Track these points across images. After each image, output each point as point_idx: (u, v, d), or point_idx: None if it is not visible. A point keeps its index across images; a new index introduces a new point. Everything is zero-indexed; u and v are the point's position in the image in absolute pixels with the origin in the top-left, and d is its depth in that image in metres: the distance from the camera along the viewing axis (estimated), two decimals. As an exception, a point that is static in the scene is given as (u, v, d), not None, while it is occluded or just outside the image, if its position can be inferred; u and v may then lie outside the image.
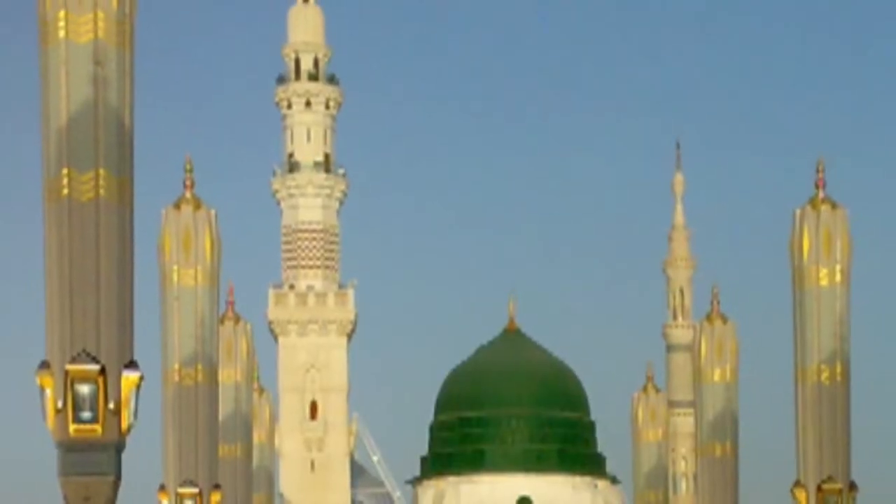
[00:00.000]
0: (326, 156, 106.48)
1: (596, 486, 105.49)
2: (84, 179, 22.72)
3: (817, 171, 36.32)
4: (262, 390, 56.13)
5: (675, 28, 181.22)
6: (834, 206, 36.17)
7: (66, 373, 22.57)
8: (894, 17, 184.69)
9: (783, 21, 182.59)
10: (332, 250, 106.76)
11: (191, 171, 35.16)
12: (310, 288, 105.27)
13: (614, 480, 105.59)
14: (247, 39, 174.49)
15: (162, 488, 34.50)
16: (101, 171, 22.79)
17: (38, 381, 22.71)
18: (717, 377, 47.39)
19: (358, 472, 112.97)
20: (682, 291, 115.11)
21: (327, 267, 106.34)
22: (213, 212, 35.10)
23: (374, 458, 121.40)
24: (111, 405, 22.61)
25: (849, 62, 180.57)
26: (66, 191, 22.71)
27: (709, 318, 47.82)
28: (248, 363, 46.16)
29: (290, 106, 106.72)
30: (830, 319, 35.73)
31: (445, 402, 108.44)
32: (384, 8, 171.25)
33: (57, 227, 22.77)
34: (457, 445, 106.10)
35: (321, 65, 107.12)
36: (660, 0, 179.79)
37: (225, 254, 35.50)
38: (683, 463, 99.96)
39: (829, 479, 35.46)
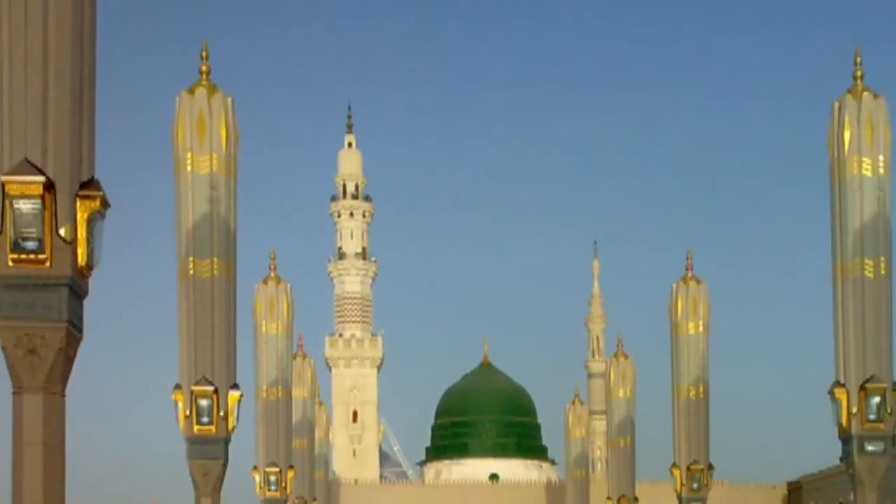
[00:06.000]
0: (364, 249, 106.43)
1: (541, 466, 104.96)
2: (203, 264, 22.73)
3: (687, 258, 36.29)
4: (320, 404, 55.95)
5: (595, 157, 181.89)
6: (698, 282, 36.11)
7: (192, 392, 22.55)
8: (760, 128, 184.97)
9: (668, 145, 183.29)
10: (367, 311, 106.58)
11: (274, 259, 35.19)
12: (352, 335, 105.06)
13: (553, 463, 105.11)
14: (311, 171, 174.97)
15: (255, 468, 34.35)
16: (215, 259, 22.81)
17: (173, 397, 22.73)
18: (621, 394, 47.24)
19: (384, 457, 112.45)
20: (598, 338, 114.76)
21: (364, 321, 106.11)
22: (288, 286, 35.06)
23: (395, 448, 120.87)
24: (221, 413, 22.59)
25: (710, 167, 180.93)
26: (191, 272, 22.72)
27: (616, 356, 47.77)
28: (311, 386, 46.03)
29: (339, 216, 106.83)
30: (696, 356, 35.61)
31: (442, 411, 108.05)
32: (402, 152, 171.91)
33: (185, 296, 22.79)
34: (449, 440, 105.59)
35: (360, 188, 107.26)
36: (577, 134, 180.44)
37: (297, 313, 35.49)
38: (599, 451, 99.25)
39: (695, 462, 35.23)
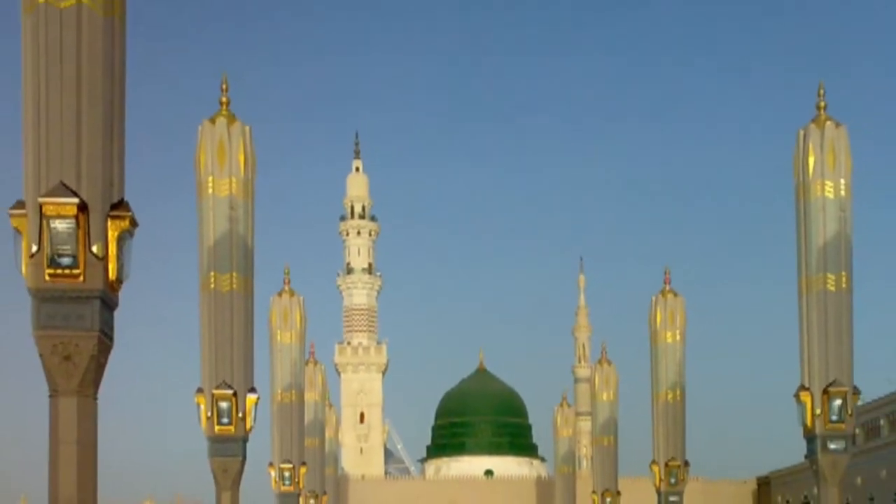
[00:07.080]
0: (370, 264, 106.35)
1: (532, 463, 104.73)
2: (224, 279, 22.72)
3: (665, 273, 36.33)
4: (331, 406, 55.88)
5: (581, 181, 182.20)
6: (675, 294, 36.13)
7: (213, 395, 22.52)
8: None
9: (648, 170, 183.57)
10: (373, 321, 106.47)
11: (288, 273, 35.16)
12: (359, 343, 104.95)
13: (543, 460, 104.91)
14: (322, 193, 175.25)
15: (270, 464, 34.31)
16: (234, 274, 22.80)
17: (196, 399, 22.68)
18: (605, 398, 47.24)
19: (388, 455, 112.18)
20: (584, 346, 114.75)
21: (370, 331, 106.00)
22: (301, 298, 35.04)
23: (399, 446, 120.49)
24: (240, 414, 22.57)
25: (687, 189, 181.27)
26: (212, 285, 22.71)
27: (600, 362, 47.78)
28: (322, 389, 45.95)
29: (347, 234, 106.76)
30: (674, 362, 35.63)
31: (441, 412, 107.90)
32: (405, 176, 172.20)
33: (208, 309, 22.78)
34: (448, 439, 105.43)
35: (367, 209, 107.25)
36: (570, 169, 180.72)
37: (308, 323, 35.45)
38: (584, 449, 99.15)
39: (672, 459, 35.24)
